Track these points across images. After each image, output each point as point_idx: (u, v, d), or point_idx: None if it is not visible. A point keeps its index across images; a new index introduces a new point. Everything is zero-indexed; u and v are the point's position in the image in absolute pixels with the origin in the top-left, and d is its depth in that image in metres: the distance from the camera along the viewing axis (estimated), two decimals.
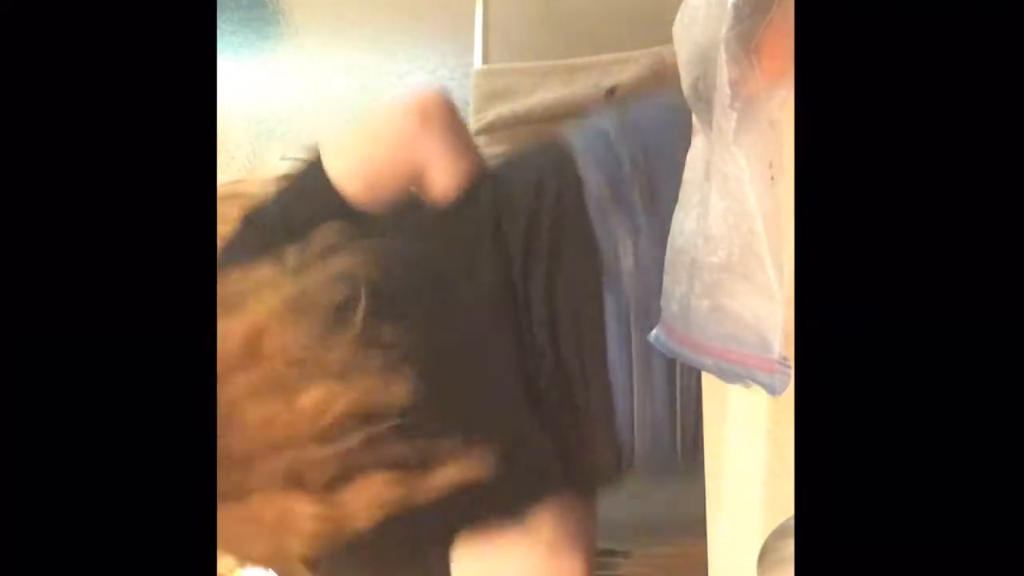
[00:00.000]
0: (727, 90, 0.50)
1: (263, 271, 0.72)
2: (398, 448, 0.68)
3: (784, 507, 0.56)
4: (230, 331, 0.67)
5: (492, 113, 1.29)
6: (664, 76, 1.21)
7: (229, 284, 0.71)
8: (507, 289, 0.73)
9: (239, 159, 1.81)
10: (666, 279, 0.66)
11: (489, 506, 0.71)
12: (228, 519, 0.57)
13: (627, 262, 0.73)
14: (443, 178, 0.81)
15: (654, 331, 0.67)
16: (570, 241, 0.75)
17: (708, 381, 0.68)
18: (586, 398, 0.73)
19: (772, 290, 0.51)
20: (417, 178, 0.81)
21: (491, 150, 1.25)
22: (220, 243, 0.77)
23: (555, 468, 0.74)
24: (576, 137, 0.82)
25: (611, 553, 1.42)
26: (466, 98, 1.31)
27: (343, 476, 0.68)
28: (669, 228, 0.63)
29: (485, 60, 1.44)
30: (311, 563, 0.71)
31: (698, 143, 0.59)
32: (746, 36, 0.50)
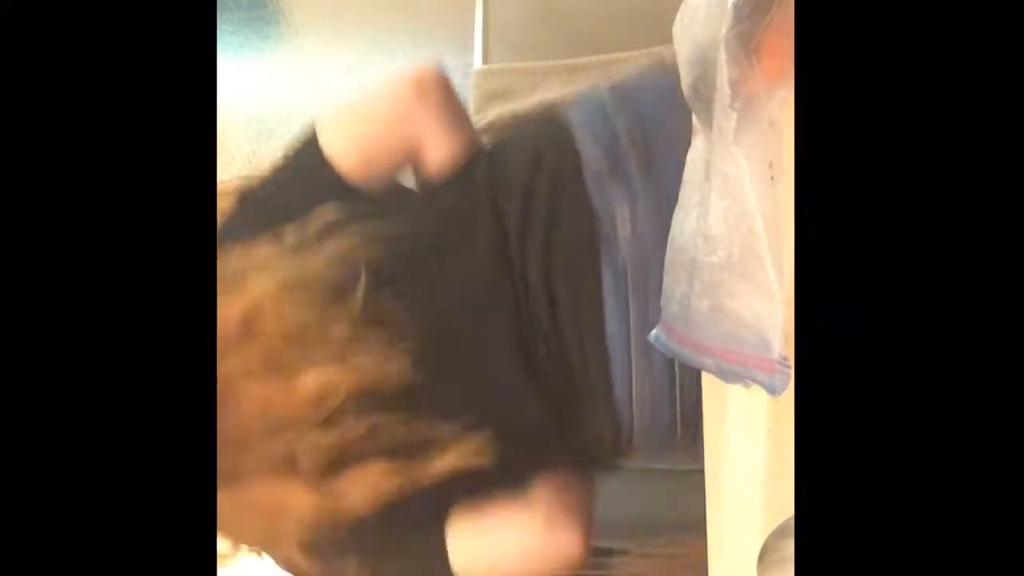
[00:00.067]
0: (727, 90, 0.50)
1: (261, 249, 0.72)
2: (396, 434, 0.68)
3: (784, 507, 0.56)
4: (227, 309, 0.67)
5: (492, 113, 1.29)
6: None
7: (227, 262, 0.70)
8: (504, 263, 0.73)
9: (239, 159, 1.81)
10: (666, 279, 0.65)
11: (487, 482, 0.71)
12: (222, 502, 0.57)
13: (624, 231, 0.72)
14: (439, 153, 0.80)
15: (654, 331, 0.67)
16: (567, 213, 0.74)
17: (708, 381, 0.68)
18: (584, 372, 0.73)
19: (772, 290, 0.51)
20: (413, 153, 0.81)
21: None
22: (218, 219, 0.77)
23: (553, 443, 0.73)
24: (573, 111, 0.81)
25: (610, 552, 1.42)
26: (466, 98, 1.31)
27: (340, 462, 0.68)
28: (667, 196, 0.63)
29: (485, 60, 1.44)
30: (307, 548, 0.71)
31: (698, 143, 0.59)
32: (746, 36, 0.50)
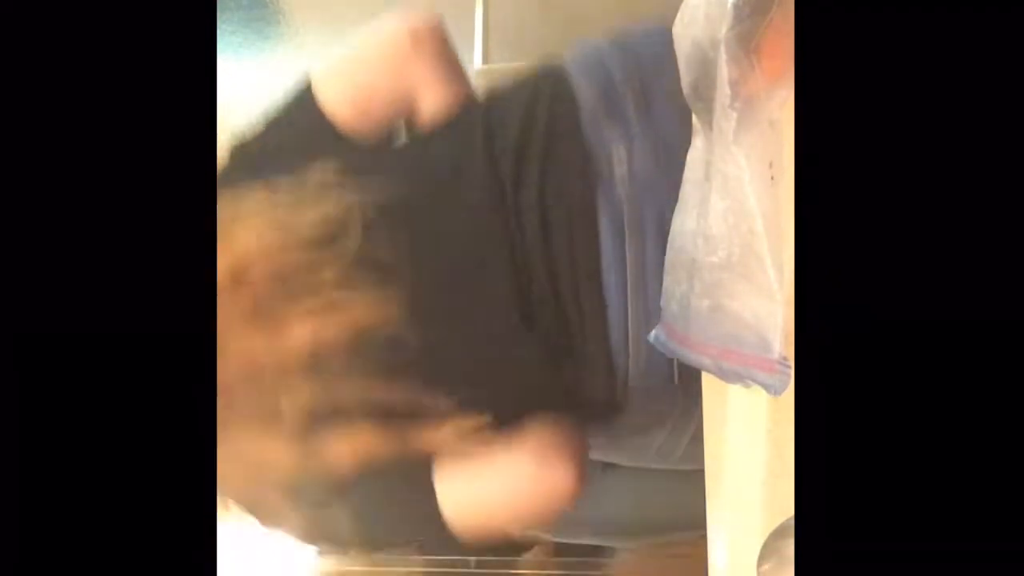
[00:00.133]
0: (727, 90, 0.50)
1: (253, 196, 0.70)
2: (387, 398, 0.67)
3: (784, 507, 0.56)
4: (217, 256, 0.64)
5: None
6: None
7: (219, 209, 0.69)
8: (499, 207, 0.72)
9: None
10: (666, 279, 0.65)
11: (479, 427, 0.70)
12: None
13: (621, 172, 0.72)
14: (434, 103, 0.79)
15: (654, 331, 0.67)
16: (563, 155, 0.73)
17: (708, 381, 0.68)
18: (579, 317, 0.72)
19: (772, 290, 0.51)
20: (408, 103, 0.80)
21: None
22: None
23: (547, 386, 0.73)
24: (570, 59, 0.80)
25: (609, 552, 1.43)
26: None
27: (327, 420, 0.67)
28: (664, 138, 0.62)
29: (485, 60, 1.44)
30: (291, 501, 0.70)
31: (698, 143, 0.59)
32: (746, 36, 0.50)
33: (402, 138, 0.81)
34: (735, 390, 0.61)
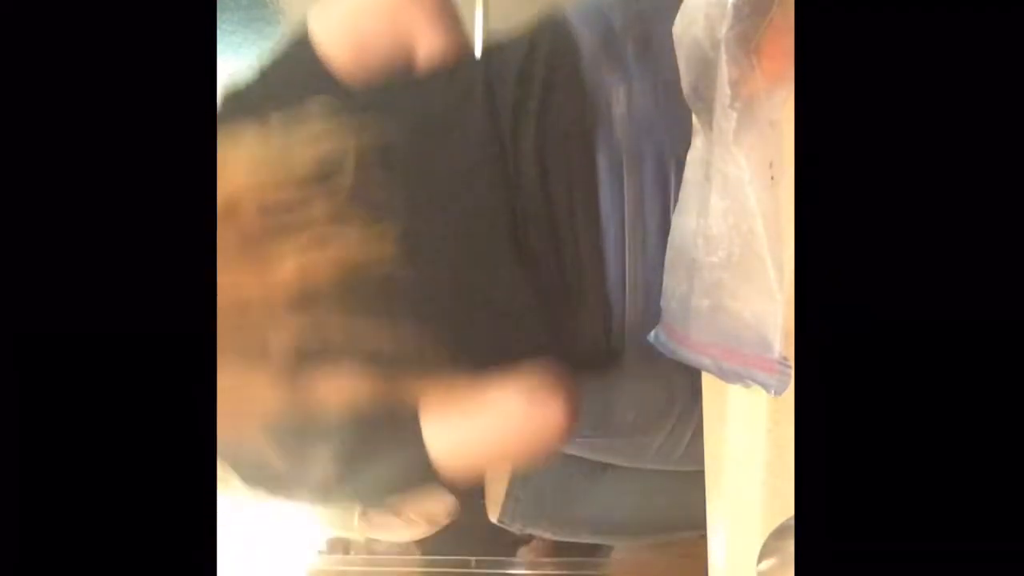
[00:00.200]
0: (727, 90, 0.50)
1: (247, 133, 0.69)
2: (375, 338, 0.65)
3: (784, 507, 0.56)
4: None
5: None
6: None
7: None
8: (496, 145, 0.72)
9: None
10: (666, 279, 0.66)
11: (467, 371, 0.69)
12: None
13: (619, 112, 0.71)
14: (431, 51, 0.79)
15: (654, 331, 0.67)
16: (562, 96, 0.73)
17: (708, 381, 0.68)
18: (576, 256, 0.71)
19: (772, 290, 0.51)
20: (406, 50, 0.79)
21: None
22: None
23: (542, 330, 0.72)
24: (570, 7, 0.79)
25: (608, 551, 1.43)
26: None
27: (313, 359, 0.65)
28: (663, 79, 0.61)
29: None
30: (274, 440, 0.68)
31: (698, 143, 0.59)
32: (746, 36, 0.50)
33: (399, 84, 0.80)
34: (735, 390, 0.61)
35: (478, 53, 0.85)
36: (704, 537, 0.71)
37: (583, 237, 0.71)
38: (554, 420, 0.70)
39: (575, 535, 1.22)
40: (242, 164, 0.67)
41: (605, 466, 1.09)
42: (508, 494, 1.19)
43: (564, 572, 1.42)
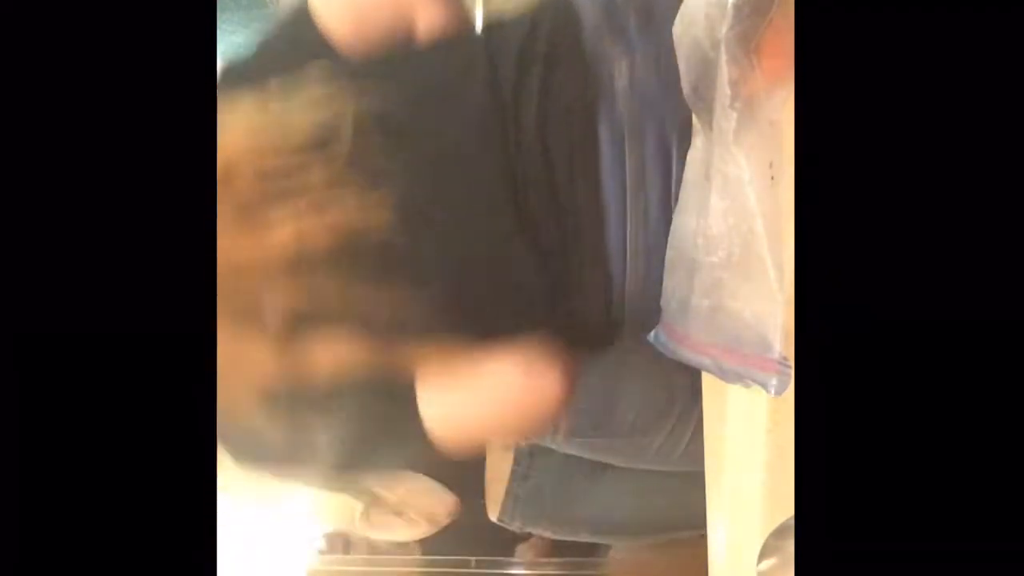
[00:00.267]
0: (727, 90, 0.50)
1: (246, 99, 0.69)
2: (371, 303, 0.65)
3: (784, 507, 0.56)
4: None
5: None
6: None
7: None
8: (497, 112, 0.71)
9: None
10: (666, 279, 0.66)
11: (463, 341, 0.68)
12: None
13: (621, 83, 0.71)
14: (432, 24, 0.78)
15: (654, 331, 0.67)
16: (564, 66, 0.72)
17: (708, 381, 0.68)
18: (576, 225, 0.71)
19: (772, 290, 0.51)
20: (406, 22, 0.78)
21: None
22: None
23: (541, 295, 0.71)
24: None
25: (607, 551, 1.43)
26: None
27: (308, 324, 0.65)
28: (666, 50, 0.61)
29: None
30: (267, 408, 0.67)
31: (698, 143, 0.59)
32: (746, 36, 0.50)
33: (400, 55, 0.80)
34: (735, 390, 0.61)
35: (479, 28, 0.84)
36: (704, 537, 0.71)
37: (584, 205, 0.70)
38: (551, 392, 0.69)
39: (575, 534, 1.22)
40: (240, 129, 0.66)
41: (605, 466, 1.09)
42: (508, 493, 1.19)
43: (564, 572, 1.42)
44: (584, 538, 1.25)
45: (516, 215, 0.70)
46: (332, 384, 0.66)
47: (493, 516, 1.21)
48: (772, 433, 0.59)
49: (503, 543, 1.43)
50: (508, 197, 0.70)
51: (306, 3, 0.78)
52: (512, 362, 0.69)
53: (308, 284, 0.65)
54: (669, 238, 0.65)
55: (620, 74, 0.71)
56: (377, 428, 0.72)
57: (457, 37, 0.78)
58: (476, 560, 1.42)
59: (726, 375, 0.57)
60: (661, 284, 0.68)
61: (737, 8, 0.49)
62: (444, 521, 1.37)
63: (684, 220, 0.61)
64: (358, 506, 1.35)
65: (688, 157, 0.61)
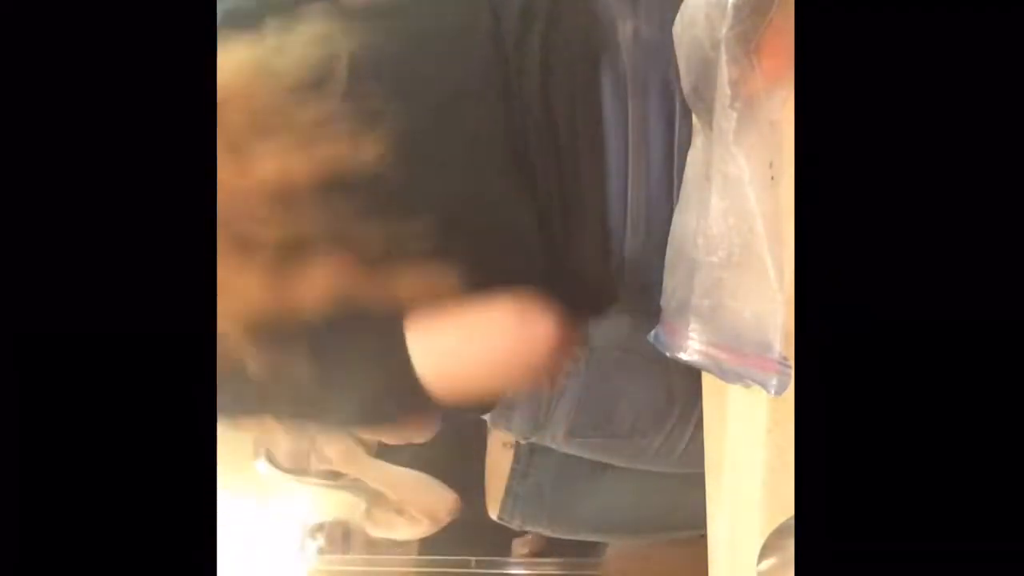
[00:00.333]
0: (727, 90, 0.50)
1: (239, 38, 0.68)
2: (361, 232, 0.63)
3: (784, 507, 0.56)
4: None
5: None
6: None
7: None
8: (499, 58, 0.70)
9: None
10: (666, 278, 0.65)
11: (455, 287, 0.67)
12: None
13: (625, 35, 0.70)
14: None
15: (654, 331, 0.67)
16: (567, 17, 0.72)
17: (708, 381, 0.68)
18: (575, 175, 0.70)
19: (772, 290, 0.51)
20: None
21: None
22: None
23: (538, 240, 0.70)
24: None
25: (605, 549, 1.43)
26: None
27: (296, 254, 0.64)
28: (671, 4, 0.60)
29: None
30: (255, 338, 0.65)
31: (698, 143, 0.59)
32: (746, 36, 0.50)
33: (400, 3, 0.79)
34: (735, 390, 0.61)
35: None
36: (704, 537, 0.71)
37: (584, 154, 0.70)
38: (544, 342, 0.68)
39: (574, 533, 1.22)
40: (231, 67, 0.65)
41: (605, 465, 1.09)
42: (507, 491, 1.19)
43: (564, 572, 1.42)
44: (584, 537, 1.25)
45: (515, 156, 0.68)
46: (319, 313, 0.64)
47: (493, 514, 1.21)
48: (772, 433, 0.59)
49: (503, 543, 1.43)
50: (508, 138, 0.69)
51: None
52: (505, 308, 0.67)
53: (295, 212, 0.64)
54: (669, 238, 0.64)
55: (624, 29, 0.70)
56: (365, 367, 0.70)
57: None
58: (476, 560, 1.42)
59: (726, 375, 0.58)
60: (659, 246, 0.66)
61: (737, 8, 0.49)
62: (445, 519, 1.37)
63: (684, 220, 0.61)
64: (360, 504, 1.35)
65: (688, 157, 0.61)
